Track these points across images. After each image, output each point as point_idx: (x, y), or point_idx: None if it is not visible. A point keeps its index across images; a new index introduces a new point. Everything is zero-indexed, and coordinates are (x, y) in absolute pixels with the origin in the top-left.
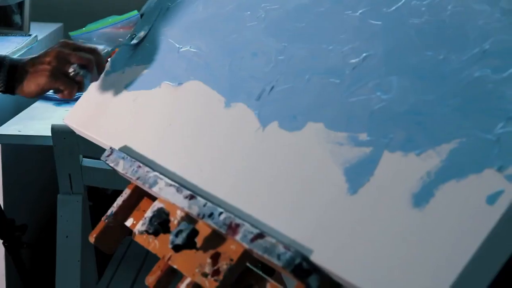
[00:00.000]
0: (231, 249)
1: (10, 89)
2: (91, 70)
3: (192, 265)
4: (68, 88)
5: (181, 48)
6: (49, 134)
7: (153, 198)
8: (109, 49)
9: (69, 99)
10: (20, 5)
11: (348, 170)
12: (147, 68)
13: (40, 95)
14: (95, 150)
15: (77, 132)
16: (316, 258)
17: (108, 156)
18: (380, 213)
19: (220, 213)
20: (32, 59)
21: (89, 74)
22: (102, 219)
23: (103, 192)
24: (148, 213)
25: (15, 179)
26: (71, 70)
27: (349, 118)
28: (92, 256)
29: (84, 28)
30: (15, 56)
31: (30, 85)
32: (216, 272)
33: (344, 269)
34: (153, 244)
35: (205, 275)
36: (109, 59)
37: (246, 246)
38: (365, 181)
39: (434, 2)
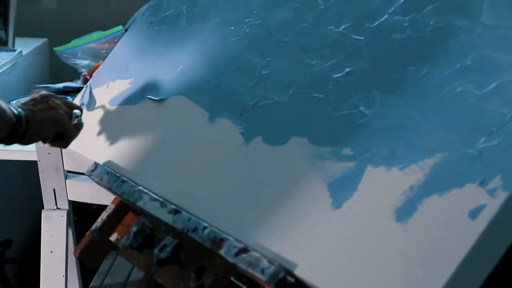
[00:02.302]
0: (215, 263)
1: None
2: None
3: (176, 279)
4: (75, 135)
5: (165, 62)
6: (34, 149)
7: (138, 213)
8: (94, 63)
9: None
10: (5, 21)
11: (332, 185)
12: (131, 83)
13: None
14: (80, 165)
15: None
16: (300, 272)
17: (92, 171)
18: (364, 228)
19: (204, 228)
20: (25, 103)
21: (81, 113)
22: (87, 234)
23: (88, 207)
24: (133, 228)
25: None
26: (75, 115)
27: (333, 133)
28: (77, 271)
29: (69, 44)
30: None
31: (44, 129)
32: (200, 287)
33: (328, 283)
34: (138, 259)
35: None
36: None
37: (230, 260)
38: (349, 196)
39: (417, 18)
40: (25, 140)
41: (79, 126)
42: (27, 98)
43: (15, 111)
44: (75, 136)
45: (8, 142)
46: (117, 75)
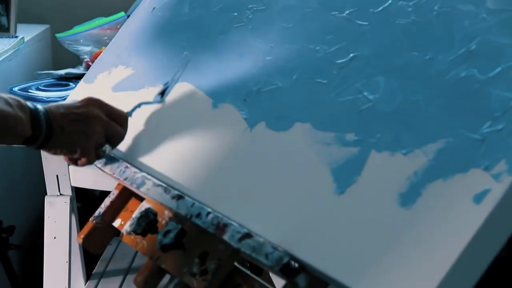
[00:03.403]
0: (219, 248)
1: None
2: (115, 145)
3: (180, 265)
4: (91, 161)
5: (168, 48)
6: None
7: (141, 199)
8: (96, 49)
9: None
10: (7, 7)
11: (336, 170)
12: (134, 69)
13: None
14: None
15: None
16: (304, 257)
17: None
18: (368, 213)
19: (208, 213)
20: (65, 114)
21: (110, 148)
22: (90, 220)
23: (91, 193)
24: (136, 214)
25: (2, 180)
26: (103, 148)
27: (337, 118)
28: (80, 257)
29: (71, 30)
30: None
31: (65, 145)
32: (204, 272)
33: (332, 268)
34: (141, 245)
35: (193, 275)
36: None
37: (234, 245)
38: (353, 181)
39: (421, 3)
40: (45, 149)
41: (99, 157)
42: (73, 105)
43: (41, 123)
44: (90, 163)
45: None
46: (120, 61)
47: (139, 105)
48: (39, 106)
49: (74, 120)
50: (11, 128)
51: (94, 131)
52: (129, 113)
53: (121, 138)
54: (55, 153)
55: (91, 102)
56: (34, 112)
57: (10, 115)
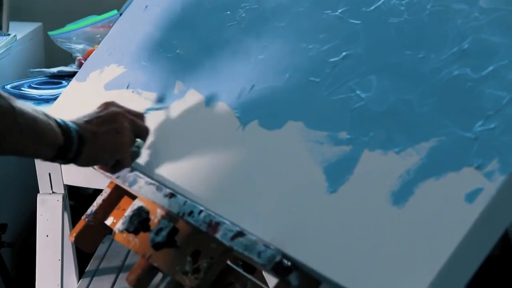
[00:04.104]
0: (211, 247)
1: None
2: (145, 139)
3: (172, 263)
4: (127, 162)
5: (160, 47)
6: None
7: (133, 197)
8: (89, 47)
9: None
10: None
11: (328, 168)
12: (126, 68)
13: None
14: None
15: None
16: (297, 255)
17: None
18: (360, 212)
19: (200, 211)
20: (90, 121)
21: (143, 142)
22: (82, 218)
23: (83, 192)
24: (128, 212)
25: None
26: (137, 144)
27: (329, 116)
28: (73, 255)
29: (63, 28)
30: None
31: (100, 148)
32: (196, 270)
33: (324, 267)
34: (134, 243)
35: (185, 273)
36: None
37: (226, 244)
38: (345, 179)
39: (413, 2)
40: (79, 162)
41: (134, 156)
42: (94, 111)
43: (71, 131)
44: (127, 166)
45: (61, 163)
46: (112, 59)
47: (147, 111)
48: (61, 119)
49: (101, 122)
50: (43, 133)
51: (123, 127)
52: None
53: (148, 131)
54: (89, 162)
55: (110, 104)
56: (60, 122)
57: (40, 120)
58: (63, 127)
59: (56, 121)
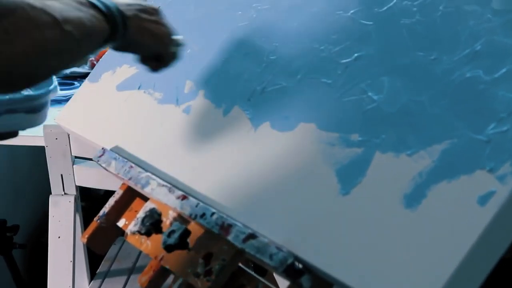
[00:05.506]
0: (224, 249)
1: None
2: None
3: (184, 265)
4: (170, 61)
5: None
6: (41, 134)
7: (145, 199)
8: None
9: (63, 99)
10: None
11: (340, 170)
12: (138, 68)
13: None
14: (87, 151)
15: (69, 133)
16: (309, 258)
17: (100, 156)
18: (372, 214)
19: (212, 214)
20: (132, 4)
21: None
22: (94, 219)
23: (95, 193)
24: (140, 214)
25: (7, 179)
26: (177, 42)
27: (341, 118)
28: (84, 257)
29: None
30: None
31: (145, 39)
32: (208, 272)
33: (336, 269)
34: (145, 245)
35: (197, 275)
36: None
37: (238, 246)
38: (357, 181)
39: (426, 3)
40: (126, 43)
41: (175, 55)
42: (134, 1)
43: (112, 9)
44: (169, 63)
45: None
46: (124, 60)
47: None
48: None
49: (141, 10)
50: (91, 28)
51: (163, 20)
52: None
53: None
54: (136, 47)
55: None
56: (101, 8)
57: (85, 18)
58: (106, 14)
59: (94, 5)
